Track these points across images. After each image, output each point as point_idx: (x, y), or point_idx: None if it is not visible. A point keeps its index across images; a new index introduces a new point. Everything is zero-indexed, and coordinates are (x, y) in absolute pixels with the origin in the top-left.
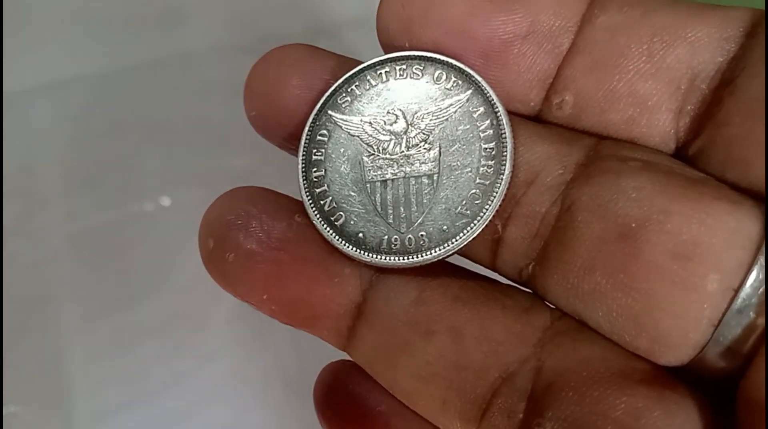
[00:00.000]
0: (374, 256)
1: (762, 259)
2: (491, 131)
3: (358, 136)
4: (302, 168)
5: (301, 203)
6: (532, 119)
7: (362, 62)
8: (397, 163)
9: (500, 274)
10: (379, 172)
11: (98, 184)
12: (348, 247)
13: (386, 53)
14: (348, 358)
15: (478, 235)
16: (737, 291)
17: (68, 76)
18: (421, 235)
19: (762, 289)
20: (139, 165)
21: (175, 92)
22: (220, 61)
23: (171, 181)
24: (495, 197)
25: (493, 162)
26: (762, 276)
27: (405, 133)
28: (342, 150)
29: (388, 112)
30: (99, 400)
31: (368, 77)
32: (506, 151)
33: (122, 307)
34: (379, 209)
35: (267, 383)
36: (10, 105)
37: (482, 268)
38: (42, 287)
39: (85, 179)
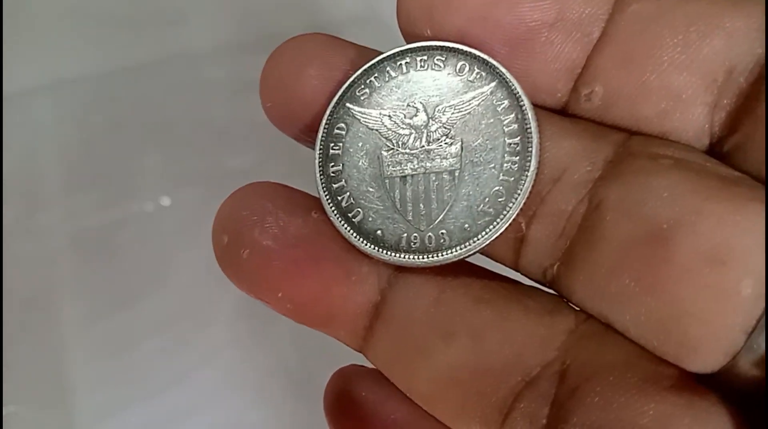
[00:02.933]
0: (393, 254)
1: None
2: (516, 126)
3: (377, 130)
4: (319, 162)
5: (317, 199)
6: (558, 112)
7: (382, 53)
8: (417, 158)
9: (523, 274)
10: (398, 168)
11: (98, 184)
12: (366, 244)
13: (407, 41)
14: (355, 361)
15: (501, 234)
16: None
17: (68, 76)
18: (442, 233)
19: None
20: (139, 165)
21: (175, 92)
22: (221, 60)
23: (171, 181)
24: (519, 195)
25: (517, 158)
26: None
27: (426, 126)
28: (360, 144)
29: (409, 105)
30: (99, 399)
31: (388, 68)
32: (531, 147)
33: (122, 306)
34: (398, 206)
35: (267, 382)
36: (10, 105)
37: (505, 267)
38: (42, 287)
39: (85, 179)
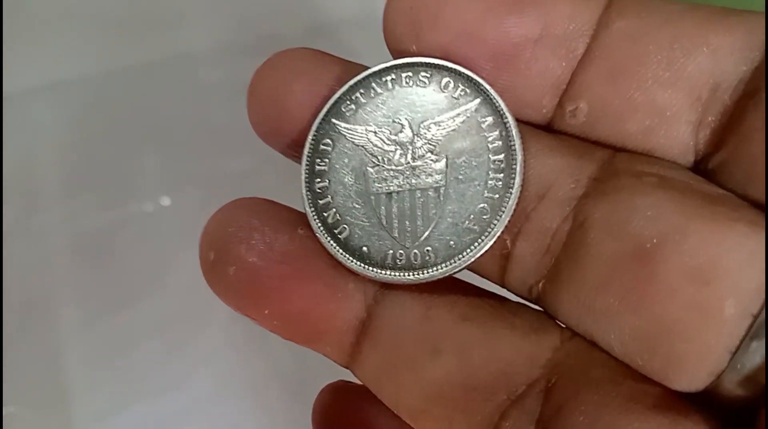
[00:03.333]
0: (379, 271)
1: None
2: (500, 143)
3: (362, 146)
4: (306, 178)
5: (304, 215)
6: (543, 128)
7: (369, 68)
8: (403, 175)
9: (509, 290)
10: (384, 184)
11: (98, 184)
12: (352, 261)
13: (392, 55)
14: (348, 376)
15: (486, 251)
16: (756, 317)
17: (68, 76)
18: (427, 250)
19: None
20: (139, 165)
21: (175, 93)
22: (219, 62)
23: (171, 181)
24: (504, 212)
25: (502, 175)
26: None
27: (411, 143)
28: (346, 160)
29: (394, 121)
30: (99, 400)
31: (373, 84)
32: (516, 164)
33: (122, 307)
34: (384, 223)
35: (266, 385)
36: (10, 105)
37: (492, 283)
38: (42, 288)
39: (85, 179)
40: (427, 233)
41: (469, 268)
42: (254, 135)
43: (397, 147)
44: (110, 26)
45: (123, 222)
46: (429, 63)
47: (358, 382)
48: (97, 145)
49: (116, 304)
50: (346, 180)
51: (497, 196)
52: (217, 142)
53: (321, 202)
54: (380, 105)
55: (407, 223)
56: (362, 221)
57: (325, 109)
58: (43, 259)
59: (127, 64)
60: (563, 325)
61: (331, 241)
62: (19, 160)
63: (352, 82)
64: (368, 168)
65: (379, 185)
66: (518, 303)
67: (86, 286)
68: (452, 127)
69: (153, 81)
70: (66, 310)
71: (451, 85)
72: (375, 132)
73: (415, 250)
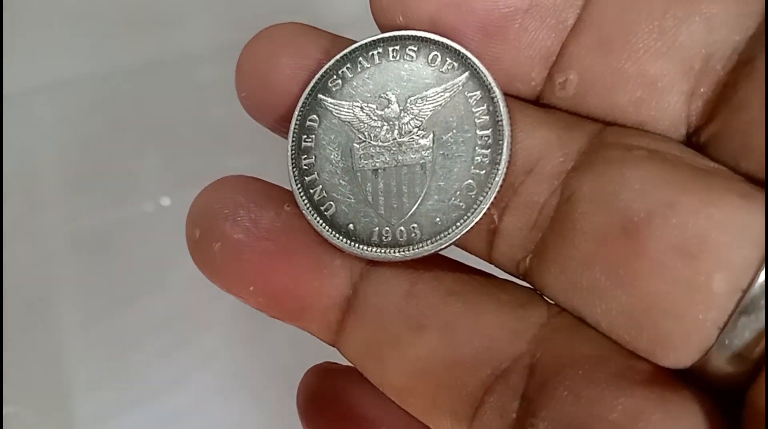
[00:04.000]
0: (364, 248)
1: None
2: (487, 118)
3: (348, 122)
4: (292, 155)
5: (290, 192)
6: (533, 101)
7: (356, 41)
8: (389, 151)
9: (496, 266)
10: (370, 161)
11: (98, 184)
12: (338, 238)
13: (378, 26)
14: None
15: (471, 228)
16: (745, 292)
17: (68, 76)
18: (413, 227)
19: None
20: (139, 165)
21: (175, 92)
22: (219, 61)
23: (171, 181)
24: (490, 189)
25: (489, 151)
26: None
27: (398, 118)
28: (333, 136)
29: (380, 97)
30: (99, 400)
31: (360, 59)
32: (503, 140)
33: (122, 307)
34: (370, 199)
35: (267, 383)
36: (10, 105)
37: (480, 261)
38: (42, 287)
39: (85, 179)
40: (413, 210)
41: (456, 244)
42: (254, 135)
43: (384, 123)
44: (110, 26)
45: (123, 222)
46: (416, 36)
47: (345, 363)
48: (97, 145)
49: (116, 303)
50: (332, 156)
51: (484, 172)
52: (217, 142)
53: (307, 178)
54: (367, 80)
55: (393, 199)
56: (348, 198)
57: (311, 85)
58: (43, 258)
59: (127, 63)
60: (551, 302)
61: (317, 218)
62: (19, 160)
63: (338, 56)
64: (354, 144)
65: (366, 162)
66: (505, 280)
67: (86, 286)
68: (439, 102)
69: (153, 80)
70: (66, 309)
71: (439, 58)
72: (361, 107)
73: (401, 227)
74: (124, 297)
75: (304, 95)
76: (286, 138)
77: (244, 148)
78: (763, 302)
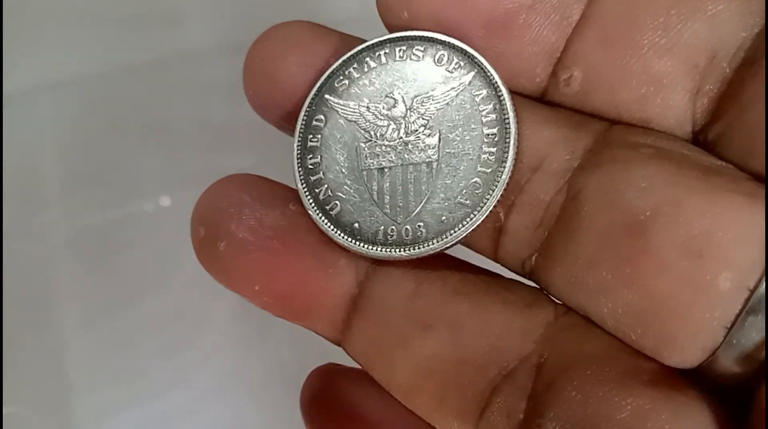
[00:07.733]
0: (370, 247)
1: None
2: (494, 116)
3: (355, 122)
4: (298, 154)
5: (295, 191)
6: (537, 98)
7: (365, 41)
8: (395, 150)
9: (502, 264)
10: (375, 160)
11: (98, 184)
12: (343, 237)
13: (384, 23)
14: (351, 360)
15: (477, 226)
16: (753, 291)
17: (68, 76)
18: (419, 225)
19: None
20: (139, 165)
21: (175, 92)
22: (220, 60)
23: (171, 181)
24: (497, 187)
25: (495, 149)
26: None
27: (404, 118)
28: (339, 136)
29: (387, 96)
30: (99, 399)
31: (367, 59)
32: (509, 138)
33: (122, 306)
34: (376, 199)
35: (267, 382)
36: (10, 105)
37: (486, 260)
38: (42, 287)
39: (85, 179)
40: (418, 209)
41: (462, 242)
42: (254, 134)
43: (390, 122)
44: (110, 25)
45: (123, 221)
46: (423, 36)
47: (350, 362)
48: (97, 145)
49: (116, 303)
50: (338, 156)
51: (490, 170)
52: (217, 141)
53: (313, 178)
54: (374, 80)
55: (399, 198)
56: (354, 197)
57: (317, 85)
58: (43, 258)
59: (127, 63)
60: (557, 301)
61: (323, 217)
62: (19, 160)
63: (345, 56)
64: (360, 144)
65: (372, 161)
66: (512, 279)
67: (86, 286)
68: (446, 101)
69: (153, 80)
70: (66, 309)
71: (446, 58)
72: (368, 107)
73: (407, 226)
74: (124, 296)
75: (311, 95)
76: (292, 136)
77: (244, 148)
78: None
